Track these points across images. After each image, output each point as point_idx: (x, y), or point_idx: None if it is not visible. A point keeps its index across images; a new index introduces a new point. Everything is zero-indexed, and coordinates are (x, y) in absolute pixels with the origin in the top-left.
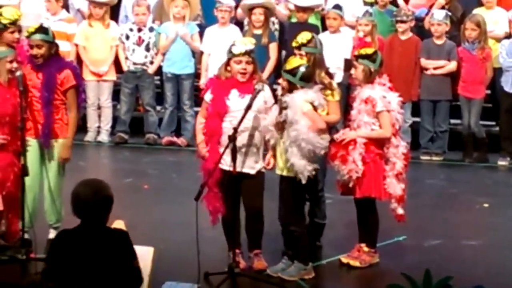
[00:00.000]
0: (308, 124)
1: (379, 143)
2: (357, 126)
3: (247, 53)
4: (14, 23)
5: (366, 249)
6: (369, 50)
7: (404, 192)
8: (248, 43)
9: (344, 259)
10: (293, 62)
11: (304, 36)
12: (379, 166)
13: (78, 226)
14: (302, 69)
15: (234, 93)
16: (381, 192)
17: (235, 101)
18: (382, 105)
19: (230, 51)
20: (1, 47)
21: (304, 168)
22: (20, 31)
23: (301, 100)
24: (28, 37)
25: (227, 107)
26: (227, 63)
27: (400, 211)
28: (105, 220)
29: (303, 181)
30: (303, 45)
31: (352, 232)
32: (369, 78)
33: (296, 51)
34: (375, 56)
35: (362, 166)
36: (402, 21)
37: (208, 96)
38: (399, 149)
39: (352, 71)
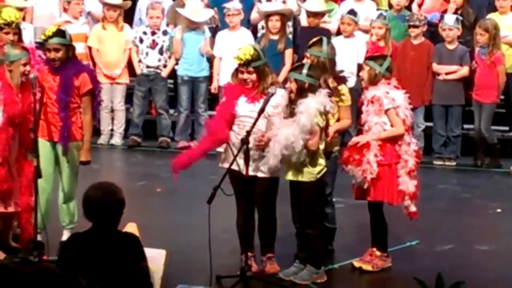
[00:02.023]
0: (306, 137)
1: (393, 142)
2: (368, 128)
3: (246, 64)
4: (9, 24)
5: (378, 253)
6: (378, 55)
7: (417, 189)
8: (247, 54)
9: (357, 263)
10: (298, 64)
11: (312, 40)
12: (394, 171)
13: (89, 230)
14: (306, 67)
15: (242, 98)
16: (393, 198)
17: (242, 106)
18: (387, 102)
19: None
20: (15, 50)
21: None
22: (17, 33)
23: (314, 108)
24: (45, 40)
25: (235, 110)
26: (237, 69)
27: (413, 208)
28: (116, 224)
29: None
30: (308, 47)
31: (364, 236)
32: (373, 81)
33: (306, 54)
34: (383, 60)
35: (376, 168)
36: (415, 26)
37: (222, 100)
38: (411, 146)
39: (361, 73)
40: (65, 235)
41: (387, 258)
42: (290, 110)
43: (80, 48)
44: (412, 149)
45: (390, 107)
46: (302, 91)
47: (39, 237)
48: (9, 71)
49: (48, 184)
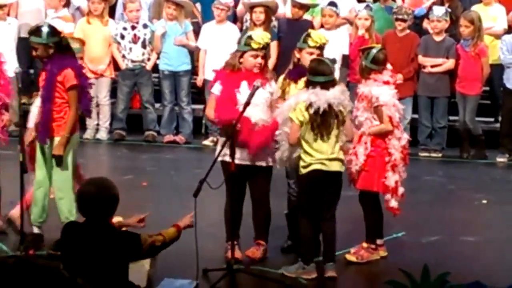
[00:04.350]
0: (285, 131)
1: (384, 136)
2: (358, 123)
3: (264, 47)
4: None
5: (365, 244)
6: (369, 46)
7: (397, 184)
8: (265, 38)
9: (348, 255)
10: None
11: (323, 37)
12: (383, 160)
13: (84, 223)
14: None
15: (244, 85)
16: (380, 186)
17: (245, 93)
18: (374, 100)
19: (247, 44)
20: None
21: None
22: None
23: (289, 103)
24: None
25: (237, 99)
26: (241, 56)
27: (392, 203)
28: (110, 219)
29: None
30: (325, 45)
31: (352, 228)
32: (362, 74)
33: (314, 51)
34: (368, 51)
35: (363, 160)
36: (403, 20)
37: (216, 88)
38: (401, 141)
39: None
40: None
41: (375, 250)
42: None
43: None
44: (400, 144)
45: (377, 105)
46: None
47: (38, 230)
48: None
49: (45, 178)
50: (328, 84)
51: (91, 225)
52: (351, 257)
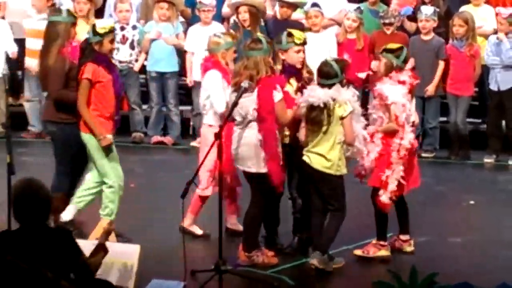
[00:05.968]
0: None
1: (392, 135)
2: (372, 121)
3: (305, 43)
4: None
5: (374, 241)
6: (395, 46)
7: (387, 179)
8: (303, 34)
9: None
10: None
11: (302, 33)
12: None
13: (19, 228)
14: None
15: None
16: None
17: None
18: (384, 98)
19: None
20: (227, 38)
21: None
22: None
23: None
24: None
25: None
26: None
27: (383, 198)
28: (46, 220)
29: None
30: (306, 39)
31: (363, 224)
32: (389, 72)
33: (301, 48)
34: (400, 52)
35: (373, 157)
36: (390, 23)
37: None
38: (402, 142)
39: (374, 63)
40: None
41: (383, 246)
42: None
43: (36, 45)
44: (403, 144)
45: (388, 103)
46: None
47: None
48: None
49: None
50: (330, 86)
51: (31, 231)
52: (357, 251)
